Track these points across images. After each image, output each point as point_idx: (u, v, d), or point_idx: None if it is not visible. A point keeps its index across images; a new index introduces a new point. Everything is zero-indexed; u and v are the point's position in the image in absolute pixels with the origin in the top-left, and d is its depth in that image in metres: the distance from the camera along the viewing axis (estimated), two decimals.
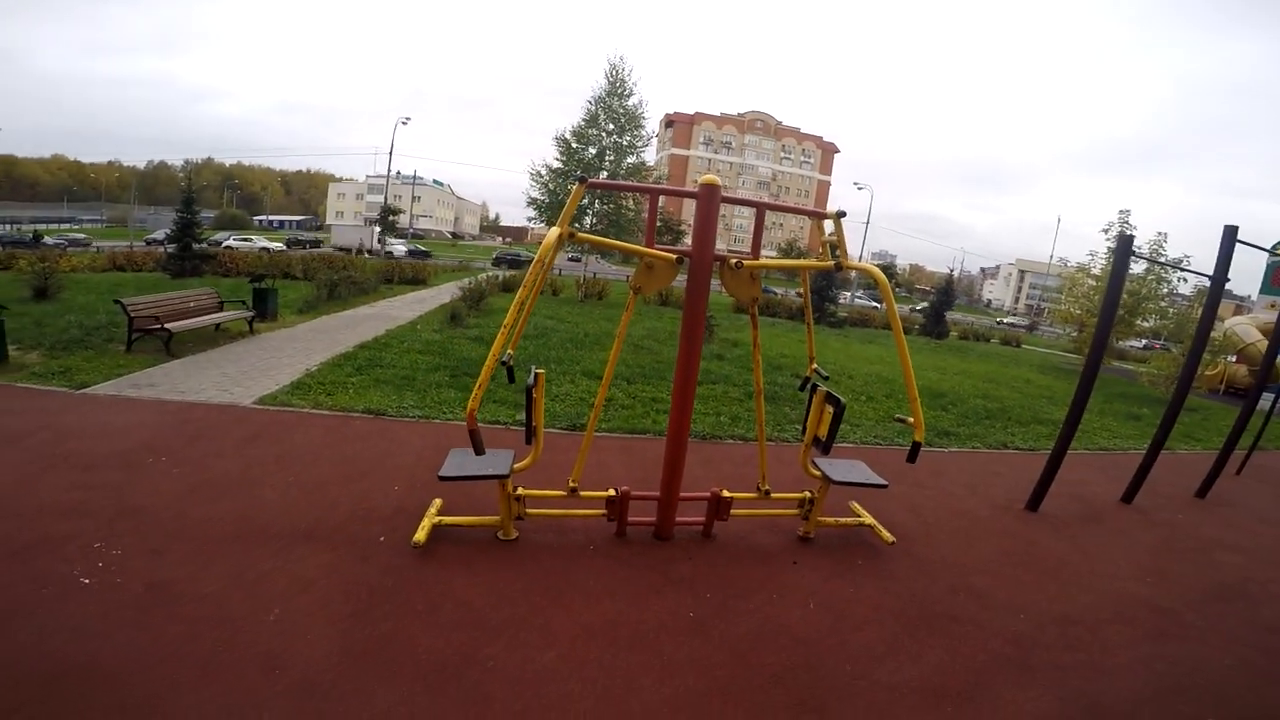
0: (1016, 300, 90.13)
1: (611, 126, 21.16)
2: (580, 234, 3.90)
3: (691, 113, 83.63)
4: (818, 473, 4.30)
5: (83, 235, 38.36)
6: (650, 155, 31.01)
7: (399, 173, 67.34)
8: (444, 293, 18.65)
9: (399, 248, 42.14)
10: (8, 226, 41.84)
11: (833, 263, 3.73)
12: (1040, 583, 4.14)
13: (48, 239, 34.78)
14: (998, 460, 7.22)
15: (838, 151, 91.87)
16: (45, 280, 12.08)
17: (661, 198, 19.61)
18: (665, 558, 3.84)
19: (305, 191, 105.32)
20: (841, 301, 25.55)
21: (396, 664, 2.65)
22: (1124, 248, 5.09)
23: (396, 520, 3.90)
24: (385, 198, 43.99)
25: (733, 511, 4.12)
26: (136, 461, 4.50)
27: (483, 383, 2.99)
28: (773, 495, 4.34)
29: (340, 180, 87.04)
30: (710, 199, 3.57)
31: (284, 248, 38.62)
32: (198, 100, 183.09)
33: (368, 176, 77.83)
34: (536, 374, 3.63)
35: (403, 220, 59.51)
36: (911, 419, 3.49)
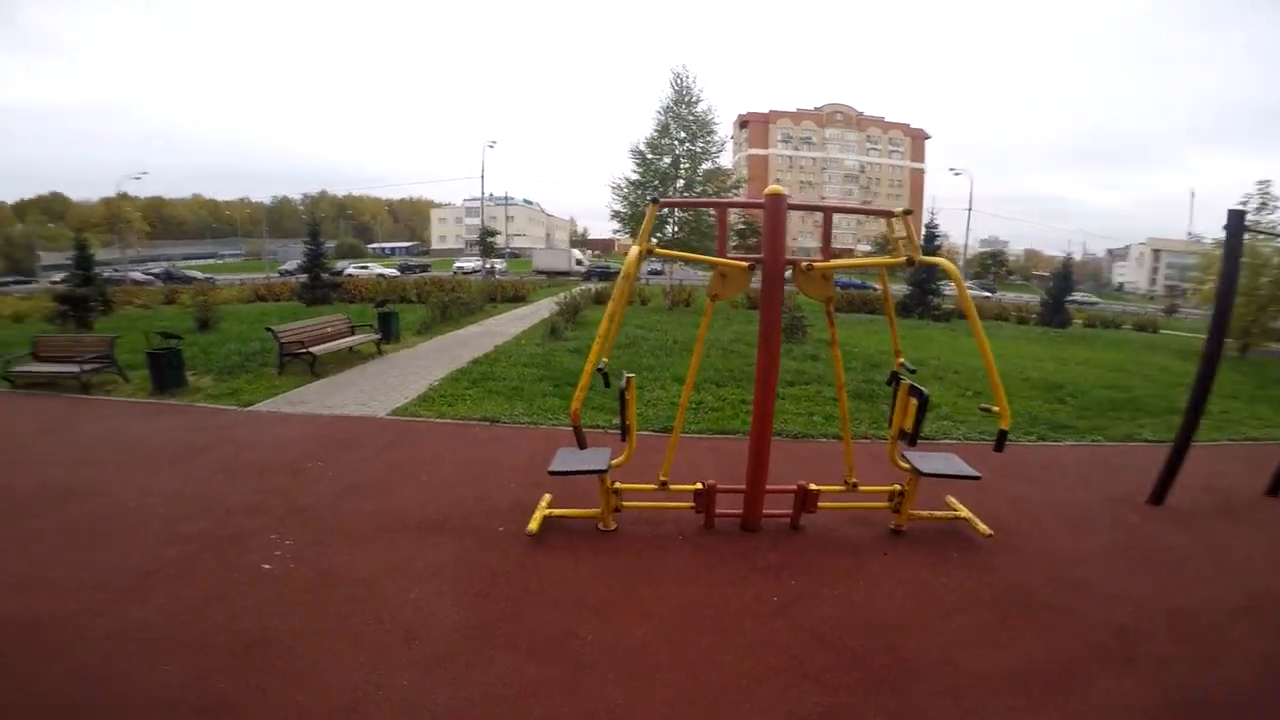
0: (1153, 282, 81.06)
1: (683, 134, 21.47)
2: (658, 249, 4.23)
3: (766, 111, 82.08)
4: (906, 465, 4.35)
5: (199, 274, 42.35)
6: (727, 158, 31.05)
7: (491, 194, 70.99)
8: (542, 308, 19.67)
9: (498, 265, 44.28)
10: (161, 264, 48.17)
11: (904, 258, 3.82)
12: (1155, 575, 3.96)
13: (192, 274, 39.80)
14: (1121, 454, 6.79)
15: (929, 137, 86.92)
16: (206, 313, 14.06)
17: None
18: (752, 547, 4.07)
19: (410, 218, 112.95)
20: (947, 293, 24.25)
21: (512, 637, 3.05)
22: (1235, 224, 4.73)
23: (513, 513, 4.39)
24: (481, 220, 46.69)
25: (821, 505, 4.26)
26: (299, 468, 5.31)
27: (583, 385, 3.41)
28: (860, 488, 4.43)
29: (440, 205, 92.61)
30: (776, 209, 3.78)
31: (398, 273, 41.77)
32: (302, 137, 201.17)
33: (464, 200, 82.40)
34: (628, 378, 4.00)
35: (498, 241, 62.69)
36: (996, 408, 3.50)
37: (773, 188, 3.80)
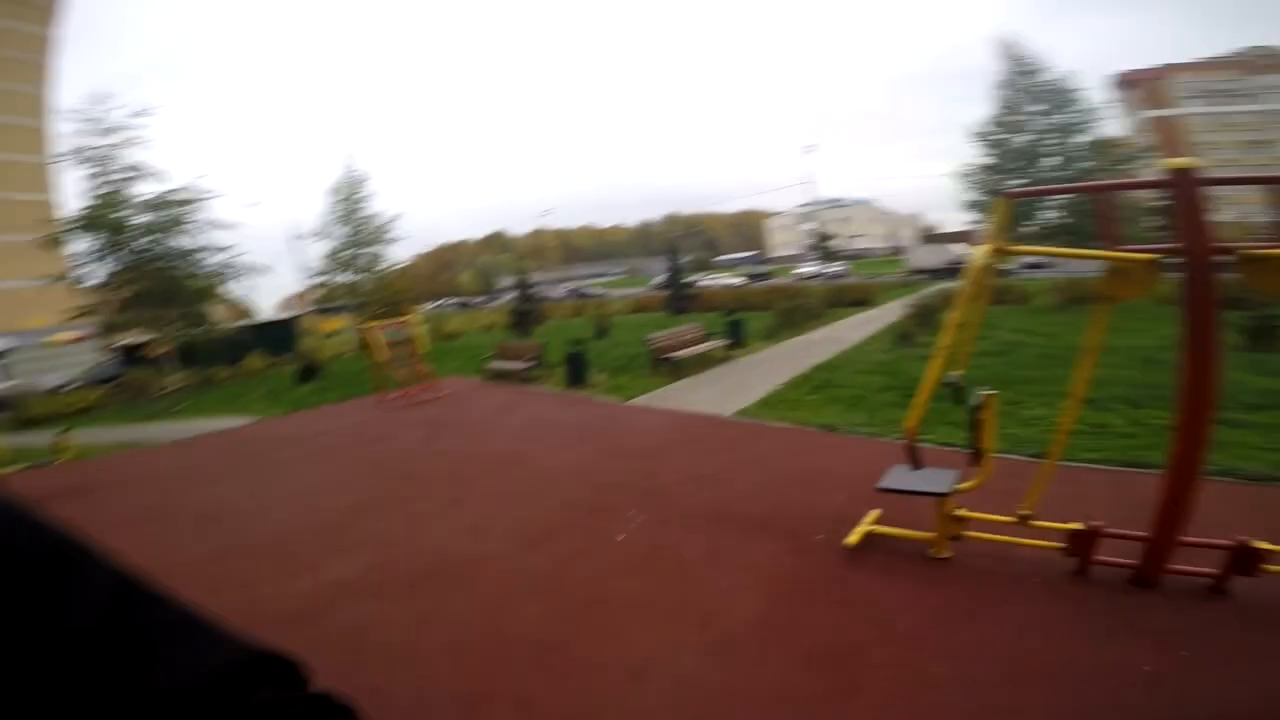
0: None
1: (1037, 107, 17.74)
2: (1016, 248, 3.68)
3: (1156, 66, 60.40)
4: None
5: (596, 290, 51.93)
6: (1116, 126, 24.46)
7: (822, 197, 69.41)
8: (889, 312, 18.62)
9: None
10: (574, 283, 60.79)
11: None
12: None
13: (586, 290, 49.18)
14: None
15: None
16: (602, 323, 17.37)
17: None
18: (1138, 605, 3.22)
19: (749, 229, 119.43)
20: None
21: (796, 642, 3.06)
22: None
23: (835, 524, 4.33)
24: (813, 224, 46.32)
25: (1271, 567, 3.17)
26: (656, 454, 6.23)
27: (921, 402, 3.19)
28: None
29: (773, 215, 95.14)
30: (1185, 185, 2.92)
31: (744, 282, 44.66)
32: (654, 164, 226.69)
33: (798, 207, 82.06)
34: (984, 397, 3.59)
35: (835, 243, 61.04)
36: None
37: (1177, 160, 2.96)
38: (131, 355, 21.73)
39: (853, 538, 3.96)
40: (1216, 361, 3.06)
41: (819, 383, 9.09)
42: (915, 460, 3.26)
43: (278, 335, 24.59)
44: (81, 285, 19.39)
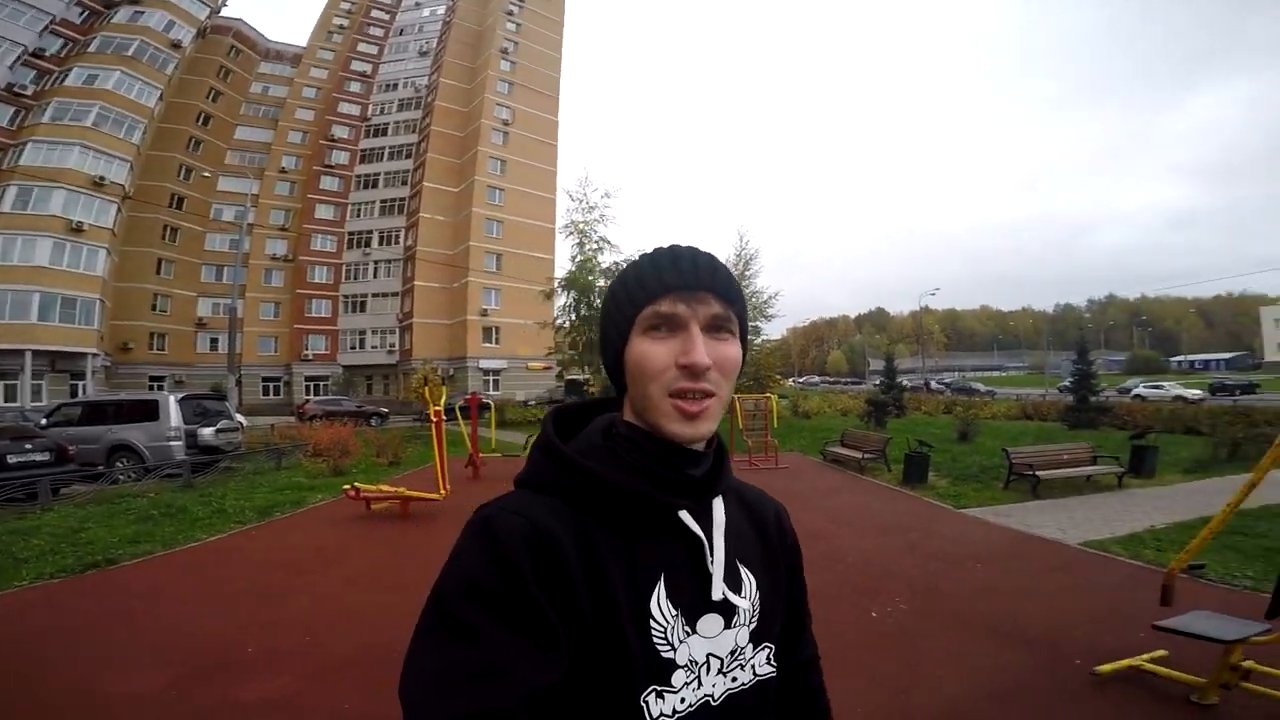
0: None
1: None
2: None
3: None
4: None
5: (982, 386, 45.42)
6: None
7: None
8: None
9: None
10: (955, 374, 55.01)
11: None
12: None
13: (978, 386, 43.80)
14: None
15: None
16: (967, 426, 16.14)
17: None
18: None
19: (1231, 320, 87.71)
20: None
21: None
22: None
23: (1111, 653, 3.94)
24: None
25: None
26: (954, 559, 6.15)
27: (1202, 536, 3.01)
28: None
29: (1276, 301, 67.16)
30: None
31: (1204, 395, 33.71)
32: (1084, 233, 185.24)
33: None
34: None
35: None
36: None
37: None
38: (573, 387, 29.20)
39: (1105, 667, 3.79)
40: None
41: (1229, 528, 7.09)
42: (1167, 599, 3.05)
43: None
44: (556, 328, 26.79)
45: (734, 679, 0.72)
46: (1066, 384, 24.27)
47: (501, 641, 0.58)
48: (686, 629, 0.69)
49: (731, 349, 0.71)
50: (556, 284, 27.10)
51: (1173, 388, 37.31)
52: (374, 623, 4.55)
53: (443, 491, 8.85)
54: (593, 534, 0.67)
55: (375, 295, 48.30)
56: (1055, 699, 3.68)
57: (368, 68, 55.22)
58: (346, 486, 8.91)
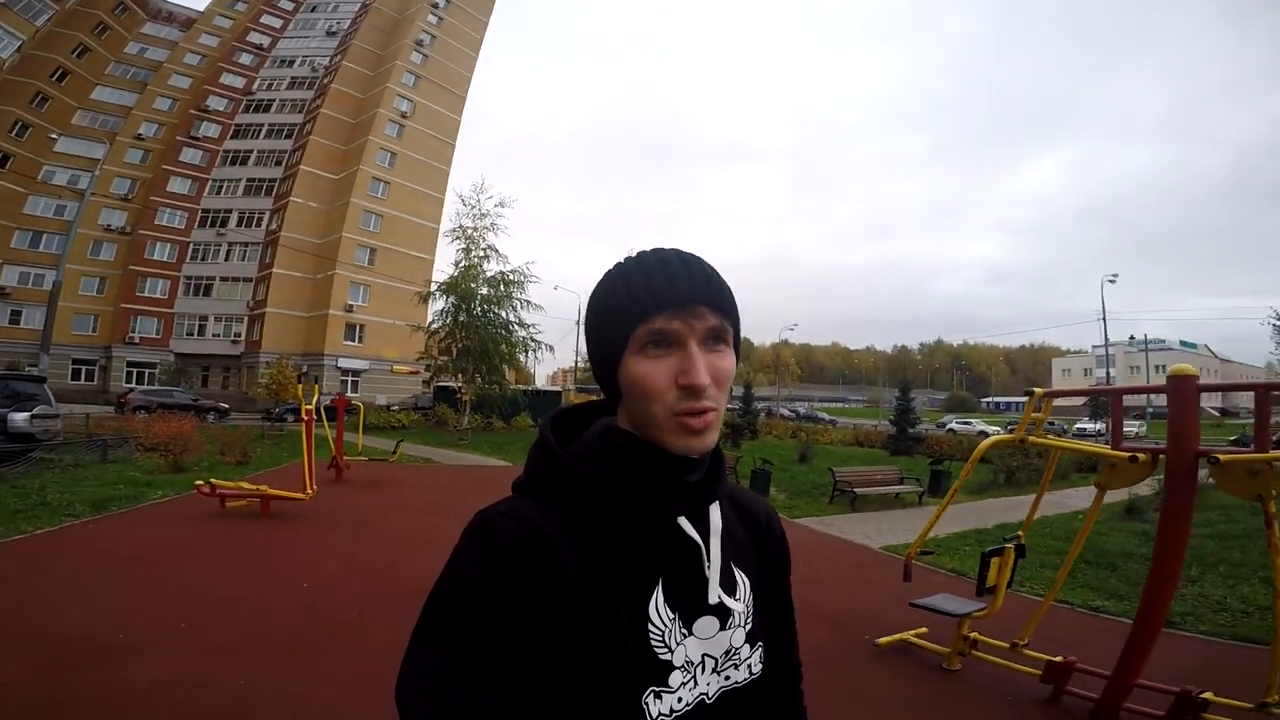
0: None
1: None
2: (1033, 439, 4.38)
3: None
4: None
5: (826, 415, 50.41)
6: None
7: (1131, 337, 58.99)
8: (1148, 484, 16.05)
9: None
10: (804, 404, 60.35)
11: None
12: None
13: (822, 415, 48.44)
14: None
15: None
16: (807, 449, 18.20)
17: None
18: None
19: (1030, 368, 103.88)
20: None
21: None
22: None
23: (886, 630, 5.06)
24: (1108, 371, 40.00)
25: (1207, 716, 3.38)
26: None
27: (918, 540, 4.33)
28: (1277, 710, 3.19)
29: (1065, 354, 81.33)
30: (1182, 393, 3.40)
31: (1001, 431, 39.99)
32: (927, 279, 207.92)
33: (1093, 347, 69.80)
34: (1006, 546, 4.36)
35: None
36: None
37: (1179, 367, 3.46)
38: (443, 394, 28.71)
39: (884, 640, 4.85)
40: (1180, 547, 3.57)
41: (991, 539, 9.00)
42: (907, 577, 4.29)
43: (545, 403, 30.77)
44: (429, 333, 26.16)
45: (728, 677, 0.73)
46: (891, 417, 28.43)
47: (497, 644, 0.57)
48: (683, 631, 0.69)
49: (727, 361, 0.69)
50: (435, 287, 26.52)
51: (978, 424, 44.64)
52: (255, 611, 4.69)
53: (310, 491, 8.74)
54: (591, 539, 0.66)
55: (224, 279, 43.89)
56: (847, 664, 4.67)
57: (266, 41, 50.84)
58: (200, 482, 8.50)
